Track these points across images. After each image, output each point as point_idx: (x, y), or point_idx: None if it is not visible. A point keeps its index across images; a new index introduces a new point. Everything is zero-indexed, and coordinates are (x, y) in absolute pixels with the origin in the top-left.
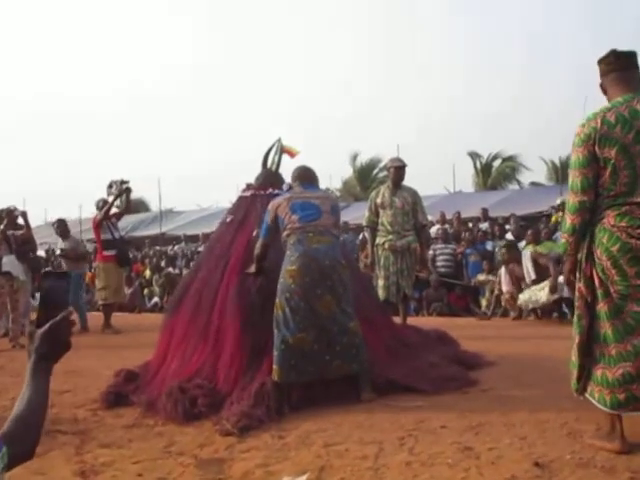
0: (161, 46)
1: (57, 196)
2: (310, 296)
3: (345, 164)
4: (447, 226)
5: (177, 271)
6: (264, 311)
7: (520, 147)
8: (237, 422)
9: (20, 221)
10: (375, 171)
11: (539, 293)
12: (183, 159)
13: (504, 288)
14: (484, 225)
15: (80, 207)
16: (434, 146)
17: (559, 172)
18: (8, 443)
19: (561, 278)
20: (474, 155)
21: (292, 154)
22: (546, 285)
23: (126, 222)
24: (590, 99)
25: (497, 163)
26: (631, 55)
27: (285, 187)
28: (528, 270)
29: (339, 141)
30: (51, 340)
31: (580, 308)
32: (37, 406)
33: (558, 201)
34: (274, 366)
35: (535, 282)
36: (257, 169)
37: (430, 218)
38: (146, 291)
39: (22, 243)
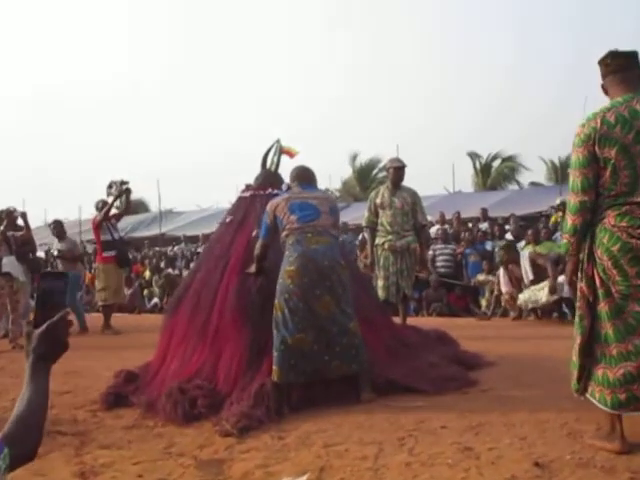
0: (161, 46)
1: (57, 197)
2: (309, 297)
3: (344, 164)
4: (447, 226)
5: (177, 272)
6: (264, 311)
7: (520, 147)
8: (237, 423)
9: (20, 222)
10: (375, 171)
11: (539, 293)
12: (183, 159)
13: (503, 289)
14: (484, 225)
15: (80, 208)
16: (434, 146)
17: (559, 172)
18: (9, 444)
19: (560, 278)
20: (473, 155)
21: (291, 154)
22: (546, 285)
23: (126, 223)
24: (590, 99)
25: (497, 163)
26: (631, 55)
27: (284, 187)
28: (526, 271)
29: (339, 141)
30: (49, 340)
31: (582, 308)
32: (37, 407)
33: (558, 201)
34: (274, 367)
35: (533, 283)
36: (257, 169)
37: (430, 218)
38: (146, 292)
39: (22, 244)
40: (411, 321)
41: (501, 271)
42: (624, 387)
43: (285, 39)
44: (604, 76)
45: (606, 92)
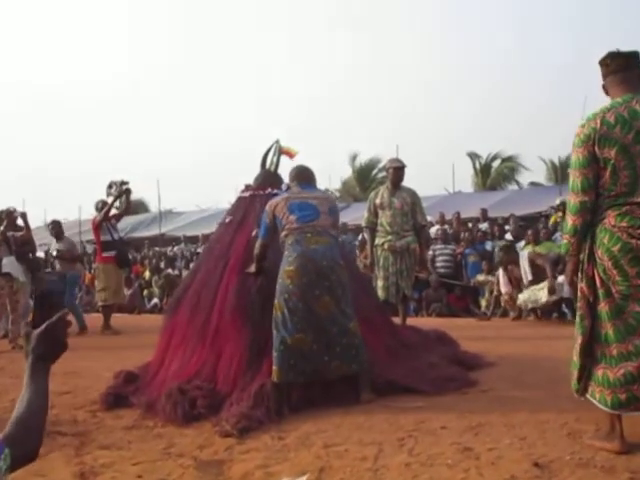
0: (161, 46)
1: (57, 197)
2: (308, 297)
3: (344, 164)
4: (446, 226)
5: (176, 272)
6: (264, 311)
7: (519, 147)
8: (237, 423)
9: (20, 222)
10: (374, 171)
11: (539, 293)
12: (183, 159)
13: (502, 289)
14: (483, 225)
15: (80, 208)
16: (434, 146)
17: (558, 172)
18: (10, 445)
19: (560, 278)
20: (473, 155)
21: (291, 155)
22: (545, 285)
23: (125, 223)
24: (590, 99)
25: (496, 163)
26: (631, 55)
27: (284, 187)
28: (525, 271)
29: (339, 141)
30: (47, 340)
31: (582, 309)
32: (37, 408)
33: (557, 201)
34: (273, 367)
35: (532, 283)
36: (256, 169)
37: (429, 218)
38: (145, 292)
39: (22, 244)
40: (411, 321)
41: (500, 272)
42: (624, 387)
43: (285, 39)
44: (604, 76)
45: (607, 92)
